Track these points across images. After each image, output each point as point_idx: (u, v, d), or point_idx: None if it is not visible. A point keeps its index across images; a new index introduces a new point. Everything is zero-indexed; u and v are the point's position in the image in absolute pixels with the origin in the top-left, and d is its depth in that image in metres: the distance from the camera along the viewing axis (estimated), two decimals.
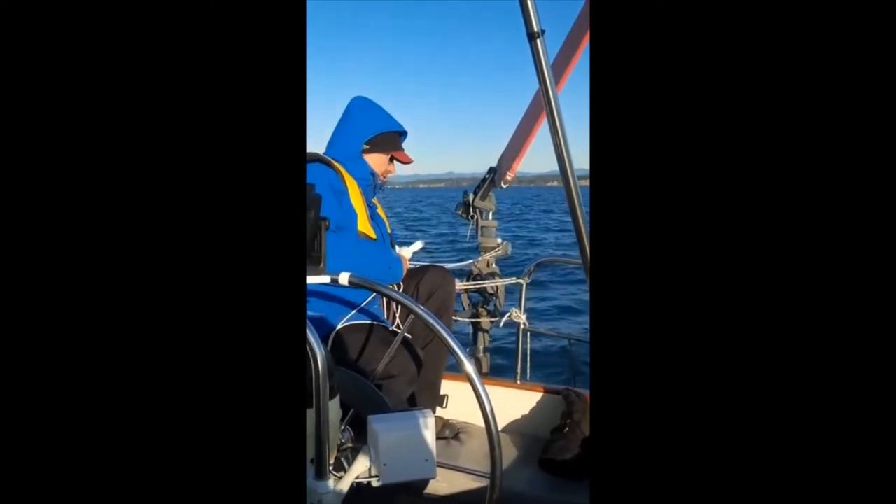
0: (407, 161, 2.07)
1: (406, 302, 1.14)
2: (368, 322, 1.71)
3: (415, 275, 1.98)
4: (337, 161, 1.89)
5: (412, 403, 1.79)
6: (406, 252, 2.06)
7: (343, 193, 1.83)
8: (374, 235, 1.86)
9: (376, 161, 1.99)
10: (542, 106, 2.06)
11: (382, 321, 1.76)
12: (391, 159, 2.02)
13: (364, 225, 1.84)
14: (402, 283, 1.94)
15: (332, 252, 1.23)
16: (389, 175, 2.03)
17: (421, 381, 1.77)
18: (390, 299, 1.18)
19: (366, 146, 1.96)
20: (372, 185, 1.97)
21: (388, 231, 2.04)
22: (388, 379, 1.58)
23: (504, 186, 2.38)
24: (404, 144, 2.06)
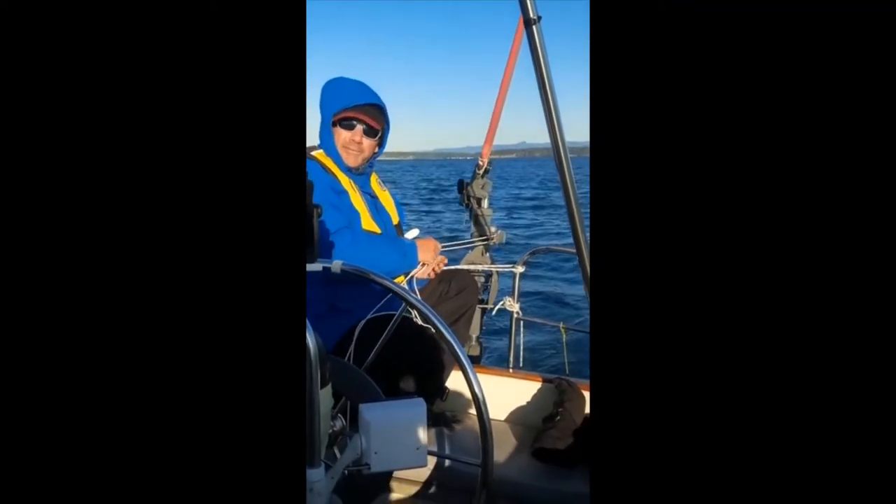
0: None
1: (397, 290, 1.14)
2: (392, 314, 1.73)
3: (446, 276, 2.05)
4: (328, 156, 1.85)
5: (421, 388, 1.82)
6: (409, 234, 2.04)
7: (344, 194, 1.80)
8: (378, 230, 1.85)
9: (345, 140, 1.85)
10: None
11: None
12: (366, 132, 1.86)
13: (368, 223, 1.83)
14: (432, 281, 1.96)
15: (343, 253, 1.21)
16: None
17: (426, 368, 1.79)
18: (382, 287, 1.18)
19: (335, 129, 1.85)
20: (347, 171, 1.88)
21: (396, 221, 2.01)
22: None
23: (479, 172, 2.44)
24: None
